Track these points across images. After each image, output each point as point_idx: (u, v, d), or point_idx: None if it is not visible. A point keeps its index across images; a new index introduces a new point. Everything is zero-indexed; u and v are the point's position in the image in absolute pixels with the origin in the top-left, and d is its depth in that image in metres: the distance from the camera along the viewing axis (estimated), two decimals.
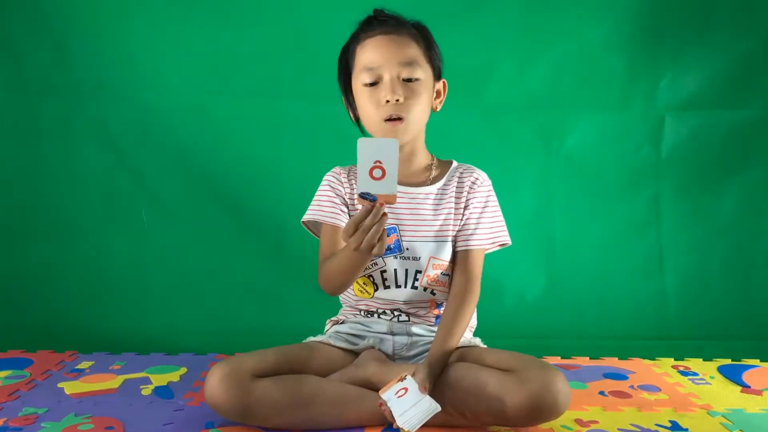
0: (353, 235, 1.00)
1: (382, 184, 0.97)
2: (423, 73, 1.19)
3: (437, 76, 1.24)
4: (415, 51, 1.18)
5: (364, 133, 1.26)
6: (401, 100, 1.16)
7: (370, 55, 1.17)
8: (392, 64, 1.16)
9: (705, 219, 1.90)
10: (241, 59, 1.83)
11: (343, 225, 1.22)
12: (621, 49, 1.87)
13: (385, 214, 1.00)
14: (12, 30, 1.80)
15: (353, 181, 1.27)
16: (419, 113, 1.19)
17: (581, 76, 1.87)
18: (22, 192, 1.83)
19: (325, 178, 1.29)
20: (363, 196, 0.98)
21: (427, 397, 1.04)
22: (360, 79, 1.19)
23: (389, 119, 1.17)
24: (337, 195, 1.26)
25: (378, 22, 1.20)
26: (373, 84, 1.18)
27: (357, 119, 1.26)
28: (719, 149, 1.89)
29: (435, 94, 1.24)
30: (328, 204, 1.25)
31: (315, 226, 1.28)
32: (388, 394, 1.06)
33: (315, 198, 1.28)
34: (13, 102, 1.82)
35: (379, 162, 0.96)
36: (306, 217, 1.26)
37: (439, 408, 1.02)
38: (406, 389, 1.06)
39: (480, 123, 1.86)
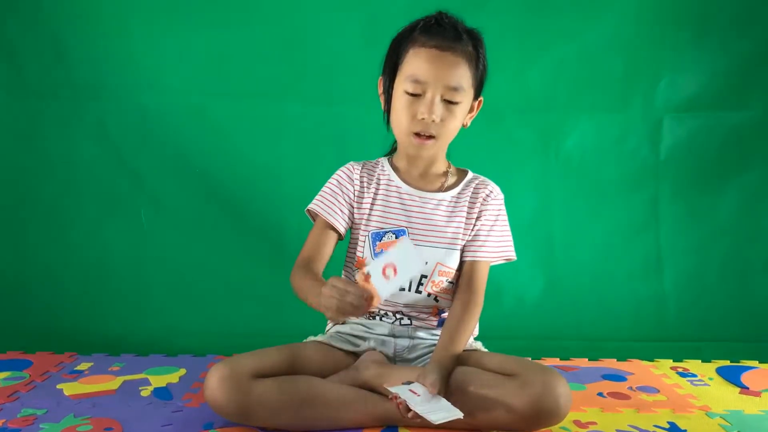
0: (332, 287, 0.99)
1: (383, 284, 0.98)
2: (465, 97, 1.18)
3: (477, 95, 1.23)
4: (464, 74, 1.16)
5: (388, 128, 1.25)
6: (437, 120, 1.16)
7: (421, 67, 1.15)
8: (439, 84, 1.15)
9: (704, 220, 1.90)
10: (241, 61, 1.83)
11: (338, 224, 1.24)
12: (620, 50, 1.87)
13: (363, 313, 1.04)
14: (12, 31, 1.80)
15: (365, 178, 1.28)
16: (451, 133, 1.20)
17: (580, 78, 1.88)
18: (21, 193, 1.83)
19: (337, 172, 1.29)
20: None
21: (451, 406, 1.04)
22: (403, 85, 1.17)
23: (419, 134, 1.18)
24: (342, 193, 1.26)
25: (438, 27, 1.17)
26: (414, 94, 1.17)
27: (388, 111, 1.25)
28: (718, 150, 1.90)
29: (468, 108, 1.23)
30: (331, 200, 1.26)
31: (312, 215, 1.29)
32: (400, 389, 1.06)
33: (322, 189, 1.28)
34: (12, 103, 1.82)
35: (398, 267, 0.97)
36: (310, 207, 1.28)
37: (461, 415, 1.02)
38: (417, 394, 1.05)
39: (479, 124, 1.85)
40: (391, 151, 1.32)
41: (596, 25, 1.87)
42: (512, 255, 1.28)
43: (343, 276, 1.33)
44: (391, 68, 1.22)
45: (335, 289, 0.99)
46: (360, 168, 1.29)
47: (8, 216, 1.82)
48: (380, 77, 1.25)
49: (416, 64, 1.16)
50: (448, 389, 1.09)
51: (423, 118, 1.16)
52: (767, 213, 1.89)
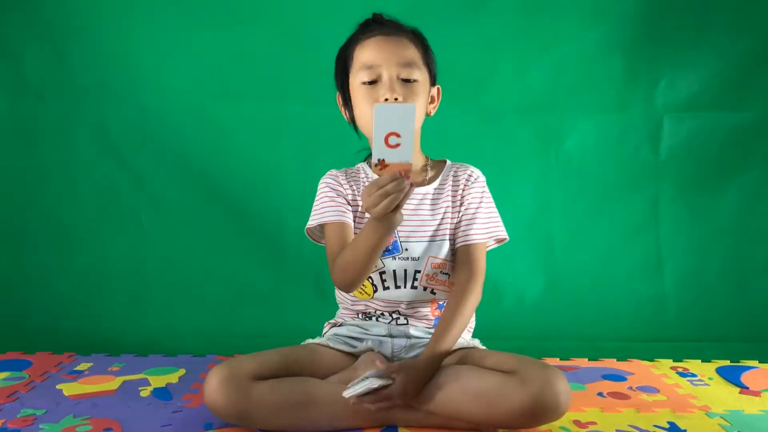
0: (368, 196, 0.98)
1: (398, 152, 0.96)
2: (421, 75, 1.19)
3: (433, 82, 1.25)
4: (413, 53, 1.19)
5: (359, 134, 1.26)
6: (400, 99, 1.16)
7: (370, 54, 1.18)
8: (391, 63, 1.16)
9: (704, 220, 1.90)
10: (241, 62, 1.83)
11: (350, 221, 1.23)
12: (620, 51, 1.88)
13: (412, 185, 0.98)
14: (12, 32, 1.81)
15: (352, 183, 1.28)
16: (416, 114, 1.20)
17: (580, 78, 1.88)
18: (21, 194, 1.83)
19: (321, 181, 1.29)
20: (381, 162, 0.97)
21: (375, 377, 1.07)
22: (358, 78, 1.19)
23: None
24: (338, 195, 1.26)
25: (377, 25, 1.21)
26: (371, 82, 1.18)
27: (352, 120, 1.26)
28: (718, 151, 1.90)
29: (429, 99, 1.24)
30: (331, 204, 1.24)
31: (314, 233, 1.28)
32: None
33: (316, 203, 1.27)
34: (12, 104, 1.82)
35: (396, 130, 0.95)
36: (311, 223, 1.25)
37: (379, 383, 1.05)
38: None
39: (479, 125, 1.87)
40: (368, 157, 1.32)
41: (596, 26, 1.87)
42: (504, 234, 1.27)
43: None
44: (342, 77, 1.24)
45: (372, 196, 0.97)
46: (343, 174, 1.29)
47: (8, 216, 1.82)
48: (337, 94, 1.27)
49: (365, 53, 1.18)
50: (447, 388, 1.09)
51: (386, 99, 1.15)
52: (767, 213, 1.89)
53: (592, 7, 1.86)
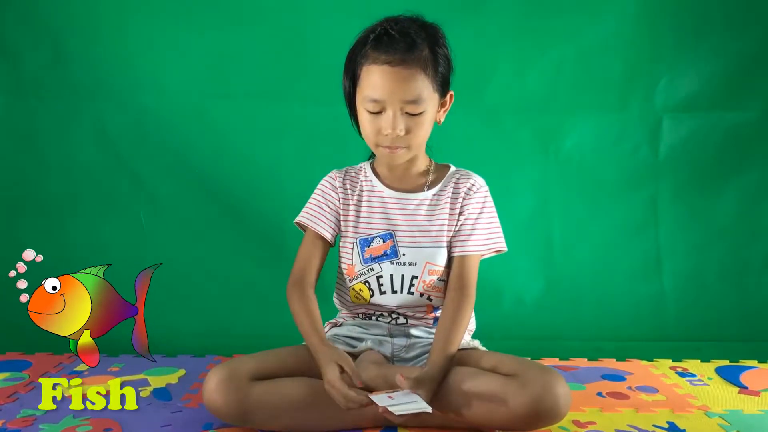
0: (340, 386, 1.06)
1: None
2: (427, 105, 1.15)
3: (444, 93, 1.21)
4: (421, 85, 1.13)
5: (358, 132, 1.26)
6: (402, 134, 1.15)
7: (375, 86, 1.13)
8: (395, 100, 1.13)
9: (703, 220, 1.90)
10: (240, 62, 1.83)
11: (325, 232, 1.25)
12: (619, 51, 1.88)
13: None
14: (10, 32, 1.80)
15: (347, 185, 1.28)
16: (421, 138, 1.19)
17: (579, 78, 1.88)
18: (19, 194, 1.83)
19: (320, 183, 1.30)
20: None
21: (420, 399, 1.04)
22: (363, 104, 1.17)
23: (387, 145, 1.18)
24: (327, 201, 1.27)
25: (388, 40, 1.13)
26: (375, 112, 1.16)
27: (355, 119, 1.26)
28: (717, 151, 1.90)
29: (440, 106, 1.21)
30: (317, 210, 1.27)
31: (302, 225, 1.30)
32: (380, 397, 1.06)
33: (308, 201, 1.29)
34: (11, 104, 1.82)
35: None
36: (297, 219, 1.29)
37: (429, 409, 1.02)
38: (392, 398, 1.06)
39: (478, 125, 1.87)
40: (373, 155, 1.32)
41: (595, 26, 1.87)
42: (502, 246, 1.26)
43: (337, 278, 1.33)
44: (350, 82, 1.20)
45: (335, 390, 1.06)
46: (342, 176, 1.29)
47: (7, 216, 1.82)
48: (343, 81, 1.23)
49: (370, 83, 1.14)
50: (446, 390, 1.10)
51: (387, 134, 1.15)
52: (766, 213, 1.89)
53: (591, 7, 1.86)
